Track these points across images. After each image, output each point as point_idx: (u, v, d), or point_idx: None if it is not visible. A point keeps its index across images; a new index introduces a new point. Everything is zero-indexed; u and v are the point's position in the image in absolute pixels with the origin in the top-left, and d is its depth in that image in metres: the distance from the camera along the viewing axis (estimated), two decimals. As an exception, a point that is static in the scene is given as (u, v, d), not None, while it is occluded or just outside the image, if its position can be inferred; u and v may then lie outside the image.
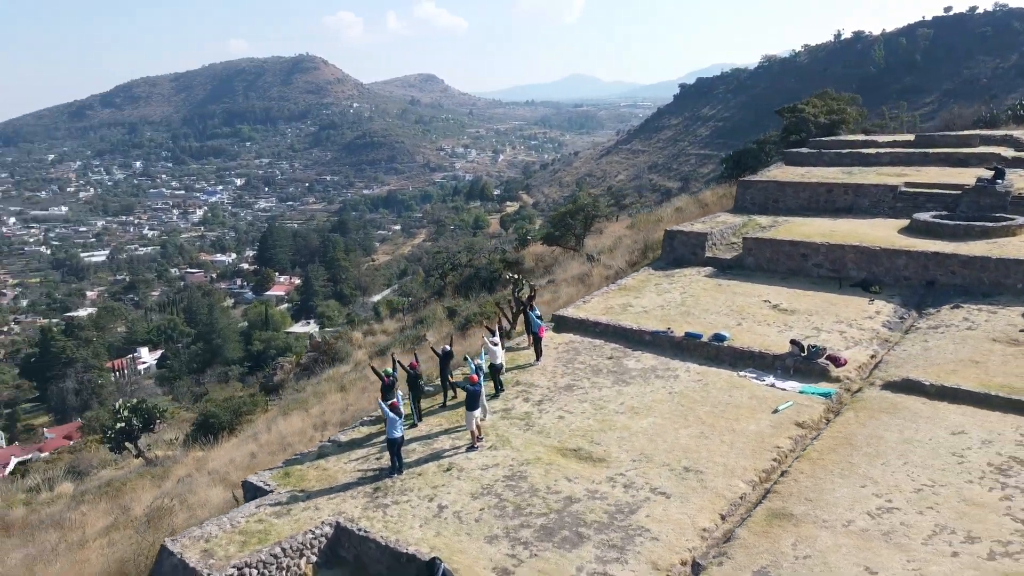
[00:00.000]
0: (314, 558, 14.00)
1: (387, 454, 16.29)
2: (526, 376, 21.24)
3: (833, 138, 45.29)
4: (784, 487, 14.72)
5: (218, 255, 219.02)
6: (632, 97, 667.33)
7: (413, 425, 18.50)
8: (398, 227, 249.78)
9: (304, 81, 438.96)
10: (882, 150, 39.63)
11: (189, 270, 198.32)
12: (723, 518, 14.16)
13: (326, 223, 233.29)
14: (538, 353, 22.29)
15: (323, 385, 35.73)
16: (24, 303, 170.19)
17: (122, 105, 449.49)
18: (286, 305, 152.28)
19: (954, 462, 15.08)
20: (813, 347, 20.30)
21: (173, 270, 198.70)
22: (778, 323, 23.39)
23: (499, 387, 20.16)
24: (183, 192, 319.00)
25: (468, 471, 16.10)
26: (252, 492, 16.32)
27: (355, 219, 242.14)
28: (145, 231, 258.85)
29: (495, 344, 20.20)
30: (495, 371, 20.05)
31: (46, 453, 57.84)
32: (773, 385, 19.57)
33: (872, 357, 20.79)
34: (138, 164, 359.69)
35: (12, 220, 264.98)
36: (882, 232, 28.73)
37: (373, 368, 21.98)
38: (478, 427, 17.27)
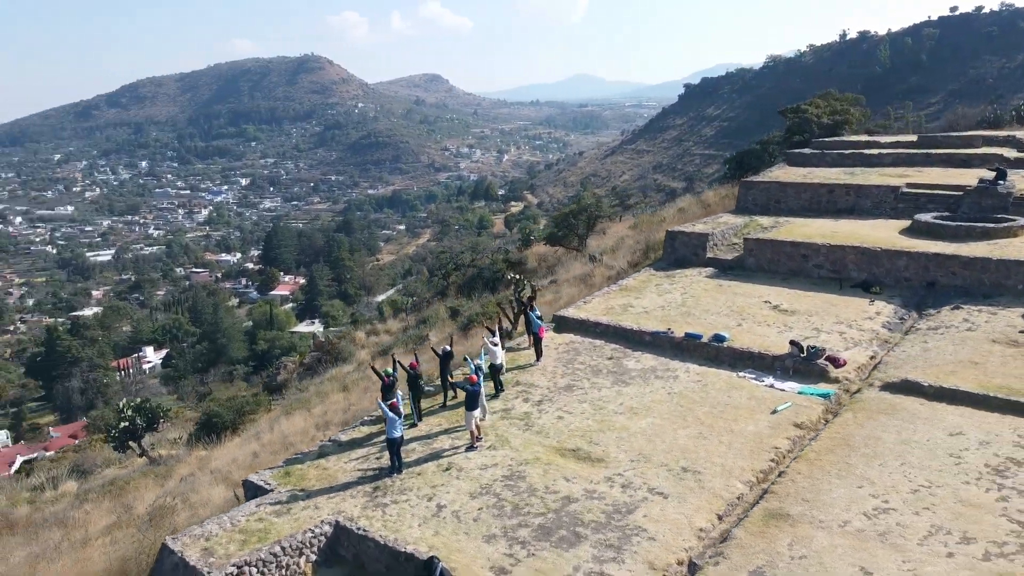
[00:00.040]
0: (314, 557, 14.11)
1: (387, 454, 16.40)
2: (526, 376, 21.33)
3: (836, 139, 45.28)
4: (781, 487, 14.77)
5: (223, 255, 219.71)
6: (637, 97, 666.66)
7: (413, 425, 18.61)
8: (403, 227, 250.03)
9: (309, 81, 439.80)
10: (884, 151, 39.61)
11: (194, 270, 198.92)
12: (720, 518, 14.23)
13: (331, 223, 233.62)
14: (538, 353, 22.37)
15: (326, 385, 35.90)
16: (30, 302, 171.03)
17: (128, 105, 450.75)
18: (291, 305, 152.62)
19: (951, 463, 15.12)
20: (812, 348, 20.34)
21: (178, 270, 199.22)
22: (778, 324, 23.43)
23: (499, 387, 20.25)
24: (188, 192, 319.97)
25: (467, 471, 16.19)
26: (253, 491, 16.44)
27: (360, 219, 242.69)
28: (150, 231, 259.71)
29: (495, 344, 20.29)
30: (495, 371, 20.14)
31: (51, 452, 58.10)
32: (772, 386, 19.61)
33: (871, 358, 20.83)
34: (144, 164, 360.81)
35: (18, 220, 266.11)
36: (883, 233, 28.74)
37: (373, 368, 22.10)
38: (477, 427, 17.36)
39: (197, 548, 13.73)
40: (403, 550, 13.32)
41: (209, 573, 12.84)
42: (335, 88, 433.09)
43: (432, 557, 12.37)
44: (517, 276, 29.84)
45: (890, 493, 14.22)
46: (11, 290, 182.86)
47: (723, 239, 31.71)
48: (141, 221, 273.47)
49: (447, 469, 16.34)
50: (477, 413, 17.46)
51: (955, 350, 20.37)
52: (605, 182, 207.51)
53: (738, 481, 15.27)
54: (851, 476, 14.90)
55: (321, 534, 14.25)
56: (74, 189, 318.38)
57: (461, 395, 18.60)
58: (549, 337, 23.88)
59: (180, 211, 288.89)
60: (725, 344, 21.74)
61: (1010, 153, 36.36)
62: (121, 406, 35.01)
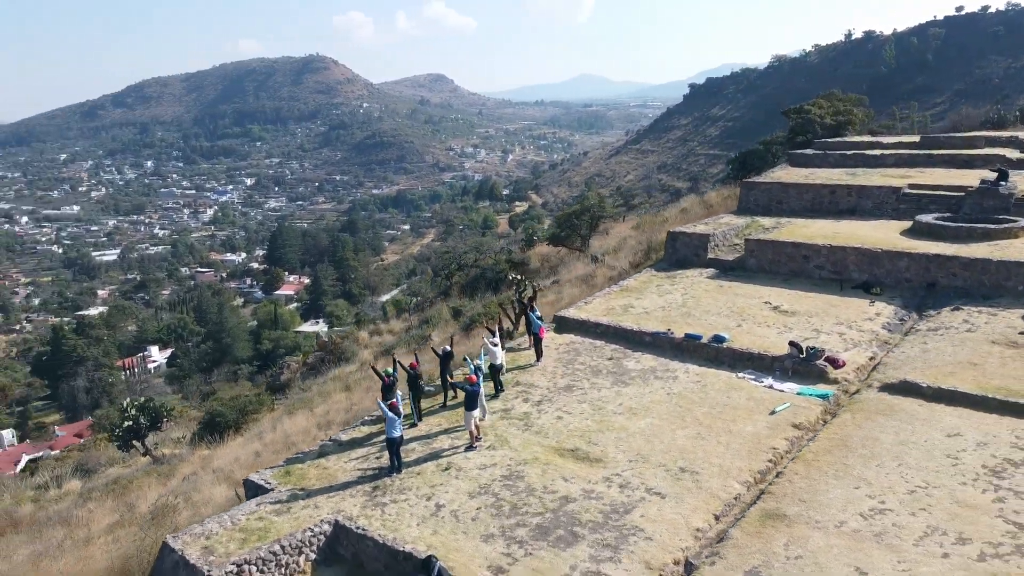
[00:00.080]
0: (313, 555, 14.22)
1: (387, 453, 16.49)
2: (526, 377, 21.41)
3: (838, 139, 45.27)
4: (779, 488, 14.83)
5: (228, 254, 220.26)
6: (642, 97, 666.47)
7: (413, 425, 18.71)
8: (407, 227, 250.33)
9: (314, 81, 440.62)
10: (887, 151, 39.61)
11: (199, 269, 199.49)
12: (717, 518, 14.29)
13: (335, 223, 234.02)
14: (538, 354, 22.46)
15: (328, 384, 36.03)
16: (36, 302, 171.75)
17: (134, 105, 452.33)
18: (295, 304, 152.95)
19: (948, 464, 15.16)
20: (812, 349, 20.39)
21: (183, 269, 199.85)
22: (778, 325, 23.48)
23: (499, 387, 20.34)
24: (194, 192, 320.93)
25: (466, 471, 16.28)
26: (253, 490, 16.55)
27: (364, 219, 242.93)
28: (156, 230, 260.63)
29: (495, 345, 20.39)
30: (495, 371, 20.22)
31: (56, 451, 58.40)
32: (771, 387, 19.67)
33: (871, 359, 20.86)
34: (149, 164, 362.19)
35: (25, 219, 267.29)
36: (884, 234, 28.76)
37: (374, 368, 22.22)
38: (477, 427, 17.45)
39: (197, 547, 13.83)
40: (401, 549, 13.41)
41: (209, 571, 12.95)
42: (340, 88, 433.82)
43: (430, 556, 12.46)
44: (519, 276, 29.92)
45: (887, 494, 14.26)
46: (17, 289, 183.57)
47: (724, 240, 31.75)
48: (146, 221, 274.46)
49: (446, 469, 16.43)
50: (476, 413, 17.55)
51: (954, 351, 20.40)
52: (610, 182, 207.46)
53: (735, 481, 15.33)
54: (848, 477, 14.95)
55: (320, 533, 14.35)
56: (80, 189, 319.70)
57: (461, 395, 18.70)
58: (550, 337, 23.96)
59: (185, 211, 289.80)
60: (725, 345, 21.80)
61: (1013, 154, 36.32)
62: (125, 405, 35.21)
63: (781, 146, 50.73)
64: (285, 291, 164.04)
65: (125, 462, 35.79)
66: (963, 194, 30.72)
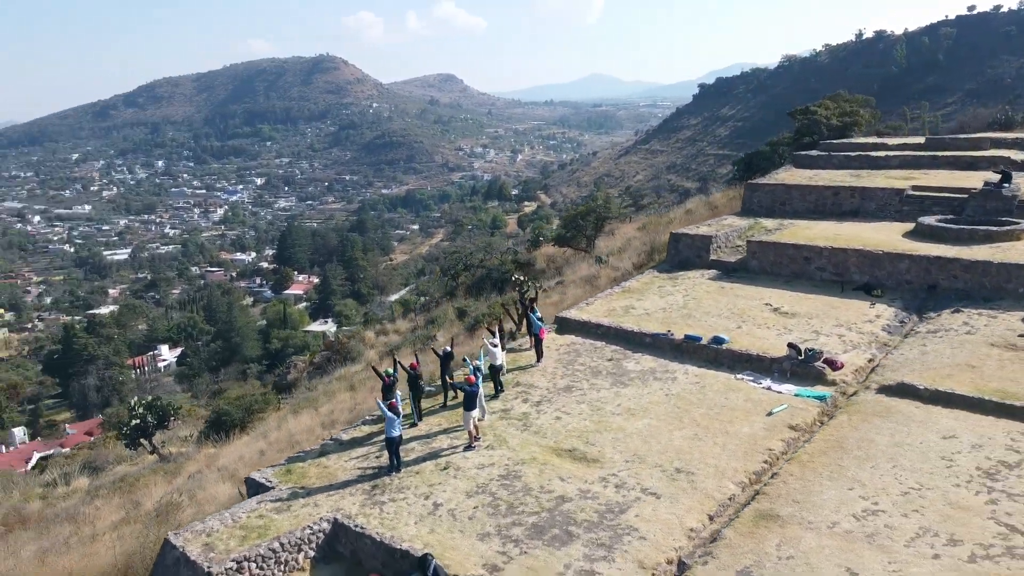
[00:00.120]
0: (312, 553, 14.43)
1: (387, 453, 16.70)
2: (526, 377, 21.58)
3: (843, 140, 45.25)
4: (773, 489, 14.95)
5: (238, 254, 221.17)
6: (651, 97, 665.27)
7: (413, 424, 18.91)
8: (416, 227, 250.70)
9: (324, 81, 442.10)
10: (891, 153, 39.59)
11: (209, 269, 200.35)
12: (711, 519, 14.42)
13: (345, 222, 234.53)
14: (539, 355, 22.62)
15: (334, 384, 36.32)
16: (48, 300, 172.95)
17: (145, 105, 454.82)
18: (304, 304, 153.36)
19: (943, 466, 15.25)
20: (810, 350, 20.47)
21: (194, 268, 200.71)
22: (778, 326, 23.56)
23: (499, 388, 20.50)
24: (204, 191, 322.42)
25: (464, 470, 16.46)
26: (255, 488, 16.79)
27: (373, 218, 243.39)
28: (166, 230, 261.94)
29: (495, 345, 20.55)
30: (495, 372, 20.39)
31: (67, 449, 58.92)
32: (769, 388, 19.77)
33: (870, 361, 20.94)
34: (160, 163, 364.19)
35: (37, 218, 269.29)
36: (886, 236, 28.79)
37: (374, 368, 22.43)
38: (476, 427, 17.63)
39: (198, 544, 14.07)
40: (398, 547, 13.60)
41: (209, 568, 13.17)
42: (350, 88, 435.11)
43: (426, 554, 12.65)
44: (522, 277, 30.07)
45: (880, 495, 14.37)
46: (29, 288, 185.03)
47: (727, 241, 31.83)
48: (157, 220, 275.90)
49: (445, 468, 16.62)
50: (475, 413, 17.73)
51: (953, 353, 20.45)
52: (619, 182, 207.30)
53: (730, 482, 15.46)
54: (842, 478, 15.06)
55: (320, 531, 14.56)
56: (91, 188, 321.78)
57: (461, 395, 18.88)
58: (551, 338, 24.13)
59: (196, 210, 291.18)
60: (724, 346, 21.92)
61: (1017, 155, 36.24)
62: (133, 404, 35.60)
63: (787, 147, 50.71)
64: (294, 290, 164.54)
65: (132, 460, 36.19)
66: (966, 196, 30.70)
